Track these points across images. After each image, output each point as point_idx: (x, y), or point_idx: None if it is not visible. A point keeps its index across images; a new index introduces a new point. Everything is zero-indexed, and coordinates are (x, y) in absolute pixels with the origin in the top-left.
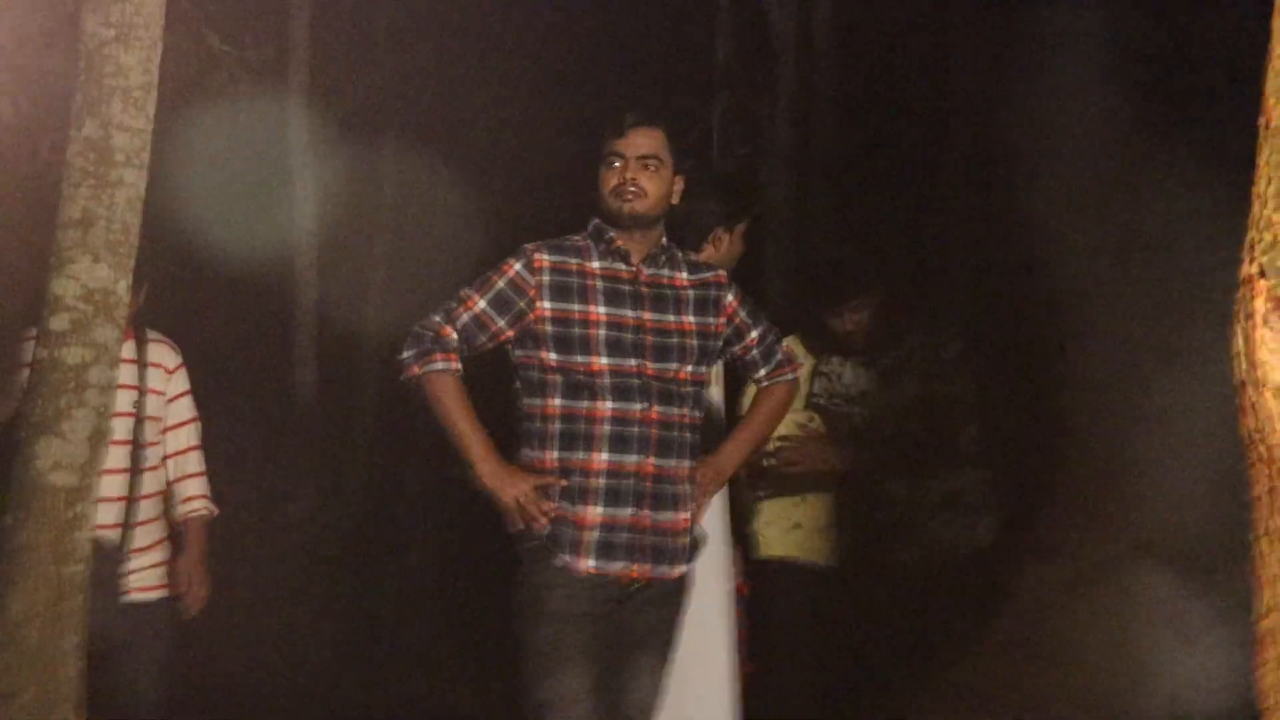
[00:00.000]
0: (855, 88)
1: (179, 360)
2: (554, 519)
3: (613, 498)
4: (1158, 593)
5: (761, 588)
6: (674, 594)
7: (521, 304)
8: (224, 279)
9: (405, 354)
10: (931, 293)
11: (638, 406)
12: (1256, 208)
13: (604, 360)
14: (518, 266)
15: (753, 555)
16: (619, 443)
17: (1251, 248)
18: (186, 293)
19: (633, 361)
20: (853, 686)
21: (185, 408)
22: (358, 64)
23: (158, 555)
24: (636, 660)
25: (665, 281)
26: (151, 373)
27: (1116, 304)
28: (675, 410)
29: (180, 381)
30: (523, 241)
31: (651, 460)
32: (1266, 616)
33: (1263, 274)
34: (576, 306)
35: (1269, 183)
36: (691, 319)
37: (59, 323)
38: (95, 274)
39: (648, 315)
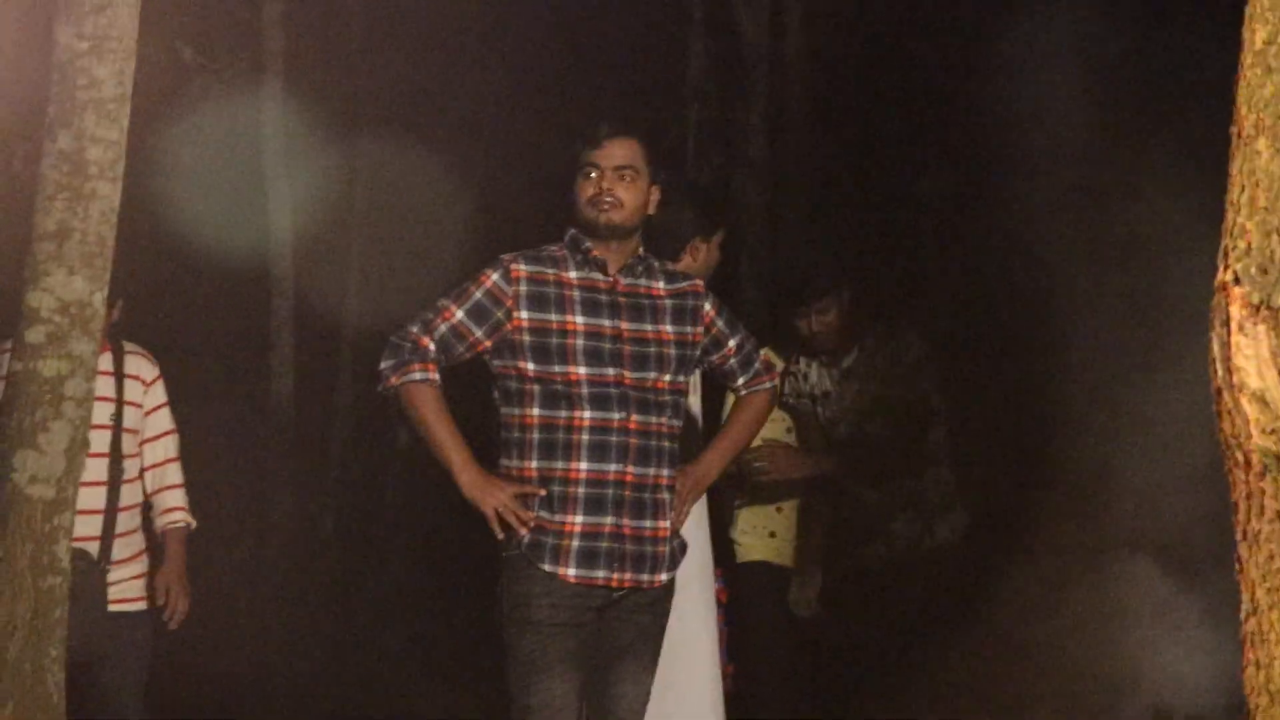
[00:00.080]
0: (828, 97)
1: (156, 372)
2: (535, 528)
3: (593, 507)
4: (1136, 593)
5: (740, 592)
6: (657, 602)
7: (499, 314)
8: (200, 290)
9: (383, 365)
10: (905, 295)
11: (616, 416)
12: (1230, 215)
13: (582, 370)
14: (495, 277)
15: (731, 562)
16: (598, 452)
17: (1226, 255)
18: (163, 304)
19: (611, 371)
20: (829, 686)
21: (163, 419)
22: (332, 76)
23: (137, 567)
24: (621, 668)
25: (642, 291)
26: (129, 385)
27: (1092, 307)
28: (654, 419)
29: (158, 393)
30: (499, 251)
31: (631, 469)
32: (1249, 620)
33: (1237, 281)
34: (554, 316)
35: (1242, 190)
36: (669, 328)
37: (35, 336)
38: (71, 287)
39: (625, 325)
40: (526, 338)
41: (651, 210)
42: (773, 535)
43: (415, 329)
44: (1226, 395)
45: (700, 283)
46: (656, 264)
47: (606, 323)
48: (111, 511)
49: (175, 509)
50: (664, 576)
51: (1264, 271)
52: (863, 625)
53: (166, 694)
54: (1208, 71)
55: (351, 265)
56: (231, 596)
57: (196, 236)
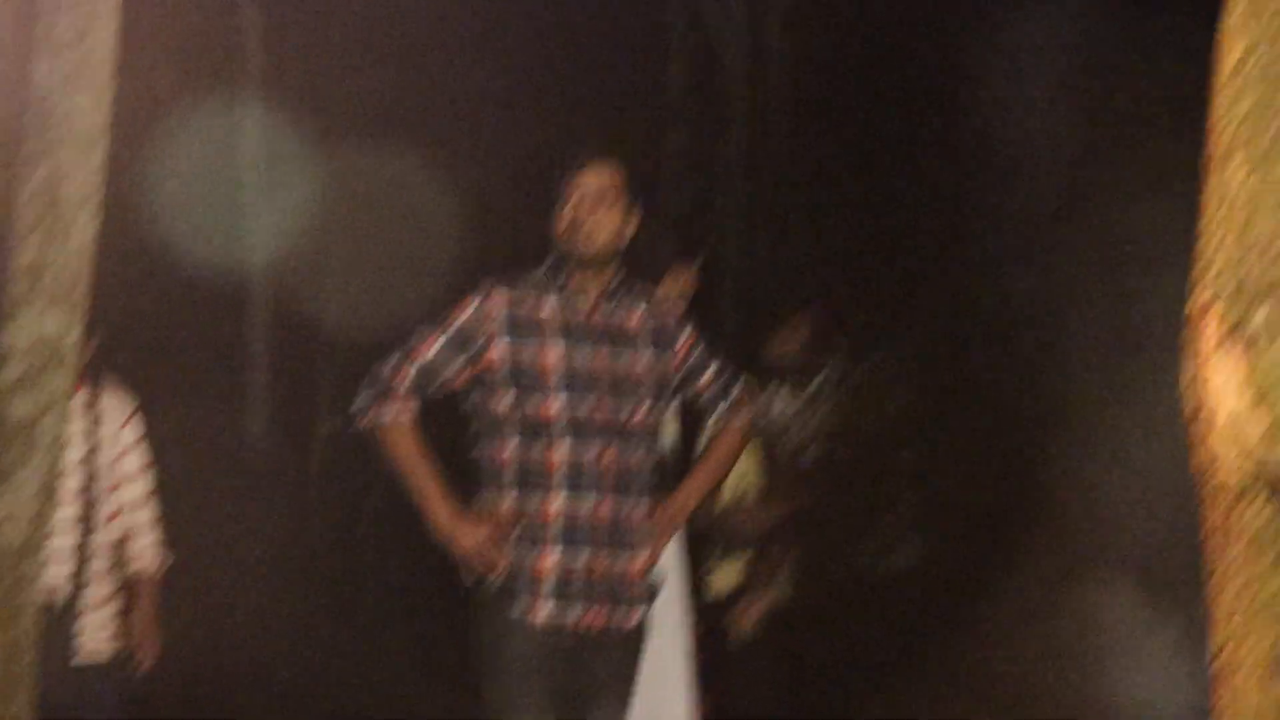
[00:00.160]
0: (806, 122)
1: (131, 409)
2: (509, 565)
3: (569, 541)
4: (1104, 615)
5: (715, 623)
6: (632, 638)
7: (479, 342)
8: (175, 323)
9: (361, 399)
10: (884, 318)
11: (594, 447)
12: (1205, 236)
13: (560, 400)
14: (475, 304)
15: (707, 598)
16: (575, 484)
17: (1200, 277)
18: (138, 338)
19: (589, 401)
20: (807, 711)
21: (138, 457)
22: (311, 109)
23: (110, 609)
24: (596, 705)
25: (621, 319)
26: (104, 423)
27: (1067, 331)
28: (632, 450)
29: (133, 431)
30: (478, 280)
31: (608, 501)
32: (1222, 651)
33: (1211, 303)
34: (533, 344)
35: (1216, 209)
36: (647, 356)
37: (9, 373)
38: (46, 323)
39: (604, 353)
40: (505, 366)
41: (631, 237)
42: None
43: (395, 360)
44: (1201, 423)
45: (679, 310)
46: (635, 292)
47: (585, 351)
48: (84, 551)
49: (149, 548)
50: (639, 614)
51: (1238, 294)
52: (828, 648)
53: None
54: (1186, 90)
55: (329, 298)
56: (208, 631)
57: (173, 271)
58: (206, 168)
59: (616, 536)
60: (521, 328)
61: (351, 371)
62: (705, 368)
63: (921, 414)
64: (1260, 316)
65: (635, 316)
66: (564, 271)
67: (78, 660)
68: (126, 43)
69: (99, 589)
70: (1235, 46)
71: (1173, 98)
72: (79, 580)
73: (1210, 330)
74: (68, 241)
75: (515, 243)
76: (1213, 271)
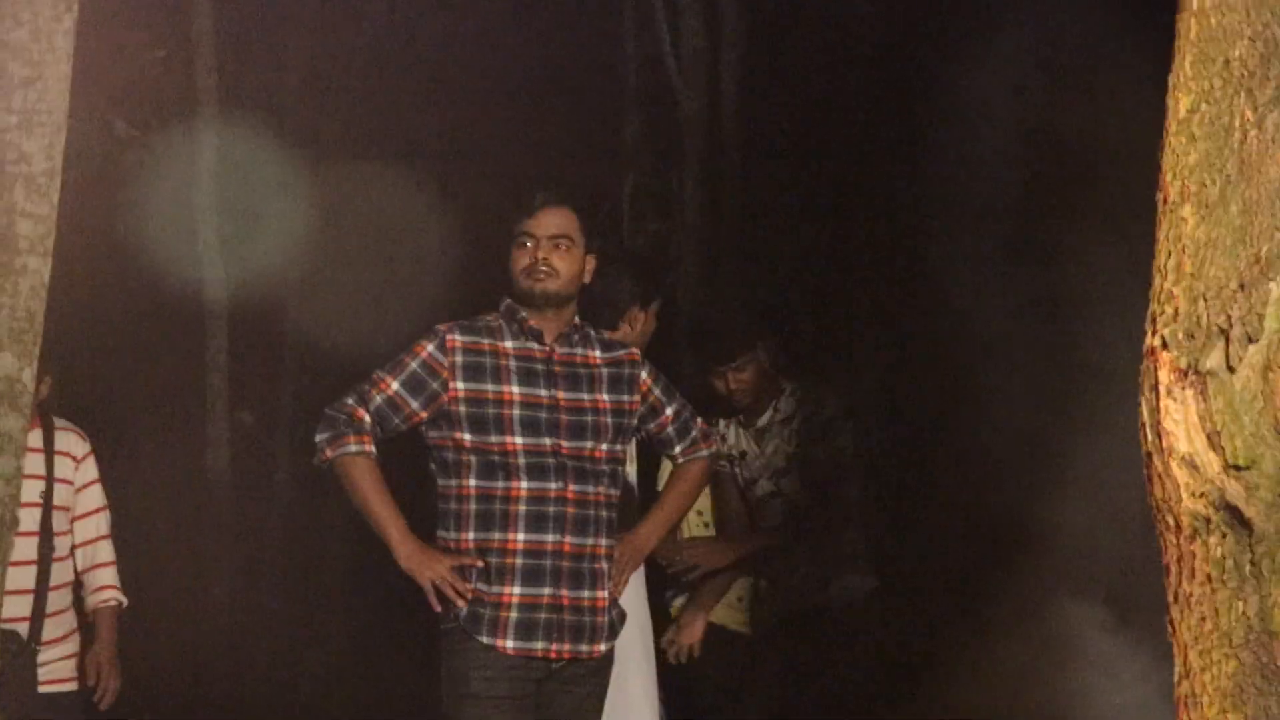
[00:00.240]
0: (763, 163)
1: (87, 448)
2: (472, 600)
3: (531, 577)
4: (1062, 649)
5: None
6: (596, 672)
7: (435, 385)
8: (133, 362)
9: (319, 437)
10: (838, 353)
11: (553, 486)
12: (1157, 281)
13: (519, 440)
14: (430, 348)
15: (670, 628)
16: (535, 522)
17: (1153, 320)
18: (95, 377)
19: (547, 441)
20: None
21: (94, 496)
22: (266, 149)
23: (69, 647)
24: None
25: (579, 360)
26: (59, 461)
27: (1020, 367)
28: (591, 489)
29: (89, 470)
30: (434, 322)
31: (568, 539)
32: (1182, 682)
33: (1165, 346)
34: (490, 387)
35: (1168, 256)
36: (606, 397)
37: None
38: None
39: (561, 394)
40: (462, 408)
41: (588, 279)
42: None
43: (351, 401)
44: (1156, 459)
45: (636, 351)
46: (592, 333)
47: (543, 392)
48: (42, 591)
49: (106, 587)
50: (603, 646)
51: (1191, 336)
52: (782, 679)
53: None
54: (1136, 133)
55: (287, 338)
56: (167, 672)
57: (128, 309)
58: (163, 202)
59: (577, 573)
60: (478, 371)
61: (314, 407)
62: (665, 407)
63: (873, 448)
64: (1212, 360)
65: (593, 357)
66: (520, 314)
67: (38, 694)
68: (80, 79)
69: (58, 627)
70: (1182, 100)
71: (1127, 136)
72: (38, 618)
73: (1163, 373)
74: (21, 282)
75: (471, 284)
76: (1165, 315)
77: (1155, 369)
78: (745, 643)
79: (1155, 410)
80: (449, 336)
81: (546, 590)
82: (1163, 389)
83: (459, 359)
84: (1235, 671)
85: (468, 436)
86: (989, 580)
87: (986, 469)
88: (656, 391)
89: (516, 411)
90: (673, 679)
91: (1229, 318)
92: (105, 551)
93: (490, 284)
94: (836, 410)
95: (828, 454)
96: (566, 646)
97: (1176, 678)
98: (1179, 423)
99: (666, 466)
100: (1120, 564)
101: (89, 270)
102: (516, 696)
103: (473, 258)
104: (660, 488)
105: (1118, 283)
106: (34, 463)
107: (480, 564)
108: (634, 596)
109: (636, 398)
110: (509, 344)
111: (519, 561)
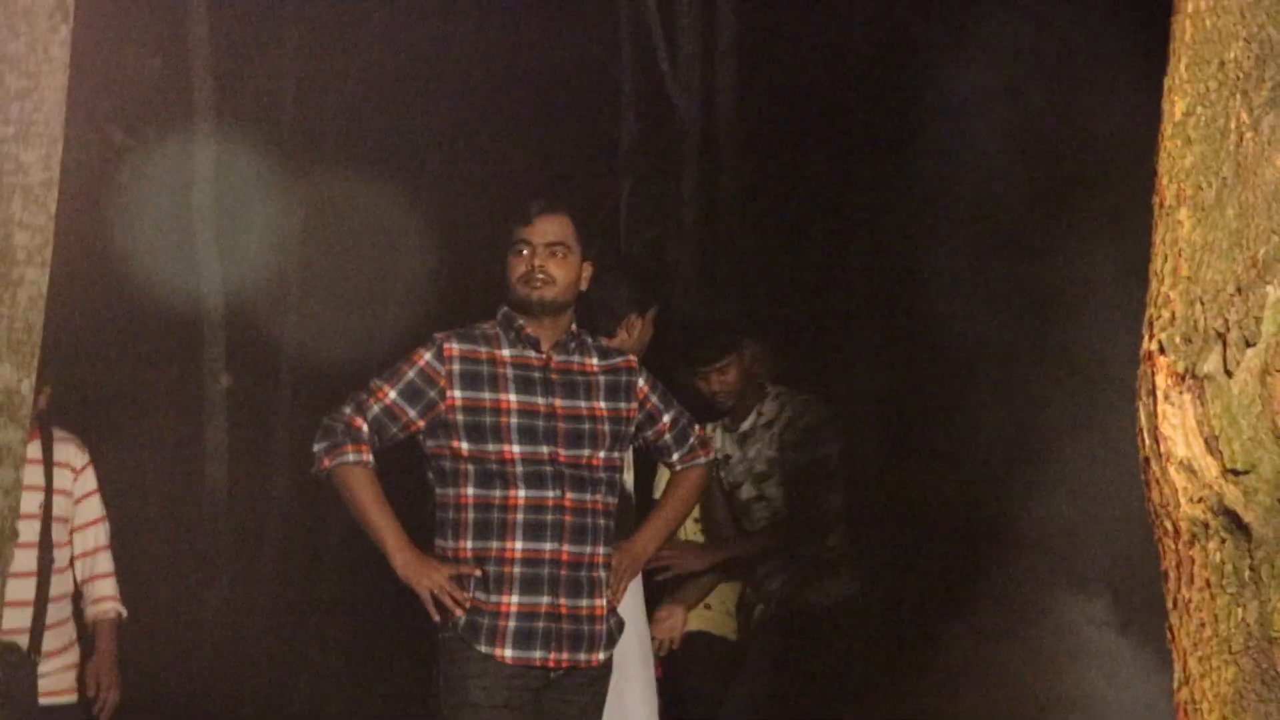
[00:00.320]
0: (759, 168)
1: (86, 459)
2: (470, 609)
3: (529, 586)
4: (1051, 655)
5: (678, 665)
6: (595, 681)
7: (432, 394)
8: (131, 373)
9: (316, 447)
10: (836, 356)
11: (551, 494)
12: (1154, 285)
13: (516, 448)
14: (428, 356)
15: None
16: (533, 531)
17: (1150, 324)
18: (94, 388)
19: (545, 449)
20: None
21: (93, 507)
22: (262, 159)
23: (68, 659)
24: None
25: (576, 368)
26: (58, 473)
27: (1016, 370)
28: (589, 497)
29: (88, 480)
30: (431, 328)
31: (566, 548)
32: (1181, 689)
33: (1162, 350)
34: (487, 395)
35: (1165, 260)
36: (603, 405)
37: None
38: None
39: (559, 402)
40: (460, 417)
41: (585, 286)
42: (708, 607)
43: (348, 410)
44: (1154, 464)
45: (633, 358)
46: (589, 340)
47: (540, 400)
48: (41, 602)
49: (106, 598)
50: (601, 655)
51: (1188, 341)
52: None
53: None
54: (1131, 133)
55: (284, 347)
56: (166, 683)
57: (127, 319)
58: (160, 212)
59: (575, 582)
60: (475, 380)
61: (311, 417)
62: (662, 414)
63: (864, 453)
64: (1209, 364)
65: (590, 365)
66: (517, 322)
67: (39, 705)
68: (76, 90)
69: (58, 638)
70: (1178, 103)
71: (1124, 139)
72: (38, 630)
73: (1161, 376)
74: (19, 293)
75: (469, 292)
76: (1162, 319)
77: (1153, 373)
78: (729, 649)
79: (1153, 415)
80: (446, 345)
81: (545, 599)
82: (1160, 393)
83: (456, 367)
84: (1235, 678)
85: (465, 445)
86: (979, 583)
87: (980, 471)
88: (654, 399)
89: (514, 420)
90: (659, 687)
91: (1226, 321)
92: (104, 562)
93: (487, 290)
94: (818, 417)
95: (810, 460)
96: (565, 655)
97: (1176, 684)
98: (1177, 427)
99: (663, 474)
100: (1116, 567)
101: (87, 280)
102: (515, 706)
103: (470, 265)
104: (657, 495)
105: (1114, 284)
106: (33, 474)
107: (478, 573)
108: (632, 605)
109: (634, 405)
110: (506, 352)
111: (517, 570)
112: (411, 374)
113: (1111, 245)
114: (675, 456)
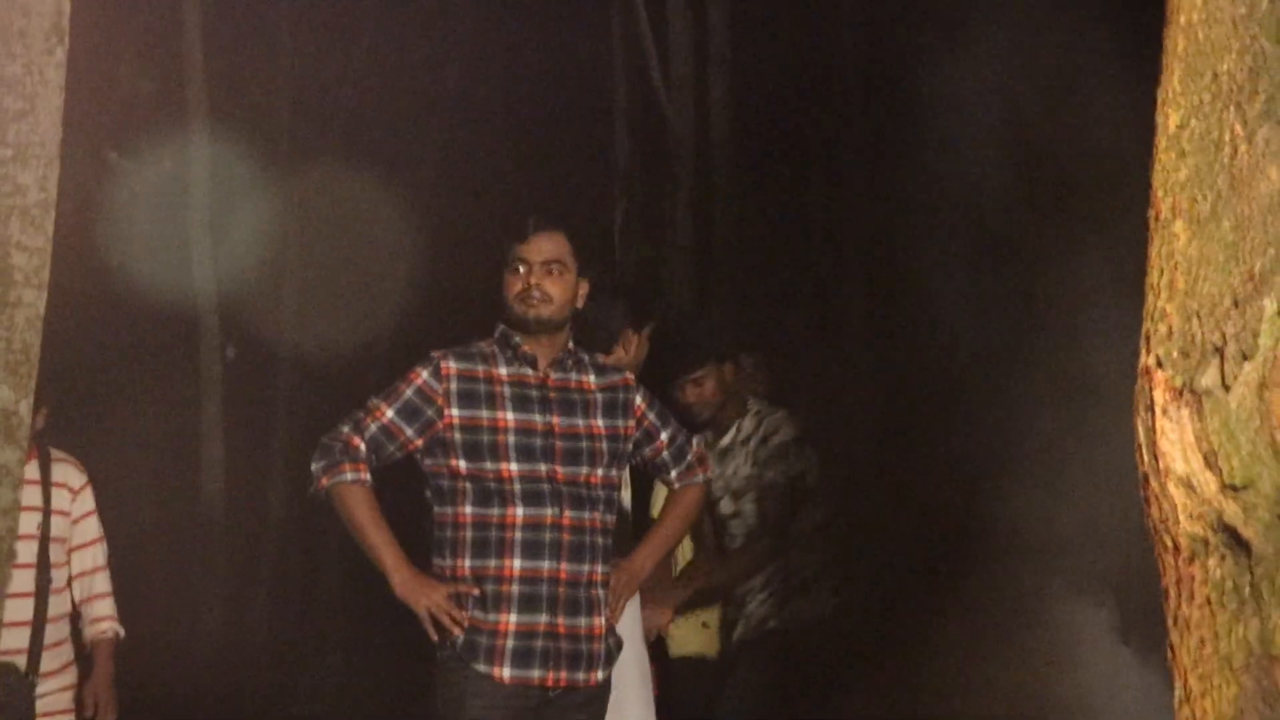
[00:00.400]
0: (752, 183)
1: (84, 479)
2: (469, 628)
3: (527, 605)
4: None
5: (674, 686)
6: (593, 700)
7: (429, 412)
8: (127, 392)
9: (314, 465)
10: (830, 369)
11: (549, 512)
12: (1150, 299)
13: (514, 466)
14: (425, 375)
15: (665, 656)
16: (531, 549)
17: (1147, 339)
18: (91, 408)
19: (543, 467)
20: None
21: (91, 527)
22: (257, 177)
23: (66, 679)
24: None
25: (573, 385)
26: (56, 493)
27: (1010, 384)
28: (587, 515)
29: (86, 501)
30: (428, 344)
31: (564, 566)
32: (1182, 707)
33: (1159, 365)
34: (485, 413)
35: (1161, 274)
36: (600, 422)
37: None
38: None
39: (556, 420)
40: (457, 435)
41: (581, 304)
42: (705, 626)
43: (346, 429)
44: (1153, 480)
45: (631, 376)
46: (586, 358)
47: (537, 418)
48: (39, 623)
49: (104, 618)
50: (600, 674)
51: (1186, 355)
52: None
53: None
54: (1128, 147)
55: (281, 367)
56: (164, 702)
57: (124, 340)
58: (156, 232)
59: (573, 600)
60: (472, 398)
61: (307, 433)
62: (660, 431)
63: (856, 462)
64: (1207, 378)
65: (587, 382)
66: (514, 340)
67: None
68: (72, 111)
69: (56, 659)
70: (1172, 116)
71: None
72: (36, 650)
73: (1159, 391)
74: (16, 314)
75: (463, 305)
76: (1159, 333)
77: (1150, 388)
78: (711, 668)
79: (1151, 430)
80: (443, 363)
81: (543, 618)
82: (1158, 409)
83: (453, 385)
84: (1236, 696)
85: (463, 463)
86: (968, 596)
87: (973, 483)
88: (651, 416)
89: (511, 438)
90: (657, 706)
91: (1223, 335)
92: (102, 582)
93: (484, 302)
94: (790, 435)
95: (785, 478)
96: (563, 674)
97: (1176, 702)
98: (1175, 443)
99: (660, 492)
100: (1110, 577)
101: (83, 300)
102: (517, 718)
103: (465, 279)
104: (655, 513)
105: (1109, 295)
106: (31, 495)
107: (476, 591)
108: (630, 623)
109: (631, 423)
110: (503, 370)
111: (515, 589)
112: (409, 393)
113: (1106, 256)
114: (673, 474)
